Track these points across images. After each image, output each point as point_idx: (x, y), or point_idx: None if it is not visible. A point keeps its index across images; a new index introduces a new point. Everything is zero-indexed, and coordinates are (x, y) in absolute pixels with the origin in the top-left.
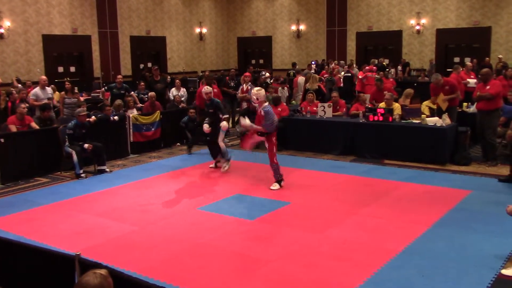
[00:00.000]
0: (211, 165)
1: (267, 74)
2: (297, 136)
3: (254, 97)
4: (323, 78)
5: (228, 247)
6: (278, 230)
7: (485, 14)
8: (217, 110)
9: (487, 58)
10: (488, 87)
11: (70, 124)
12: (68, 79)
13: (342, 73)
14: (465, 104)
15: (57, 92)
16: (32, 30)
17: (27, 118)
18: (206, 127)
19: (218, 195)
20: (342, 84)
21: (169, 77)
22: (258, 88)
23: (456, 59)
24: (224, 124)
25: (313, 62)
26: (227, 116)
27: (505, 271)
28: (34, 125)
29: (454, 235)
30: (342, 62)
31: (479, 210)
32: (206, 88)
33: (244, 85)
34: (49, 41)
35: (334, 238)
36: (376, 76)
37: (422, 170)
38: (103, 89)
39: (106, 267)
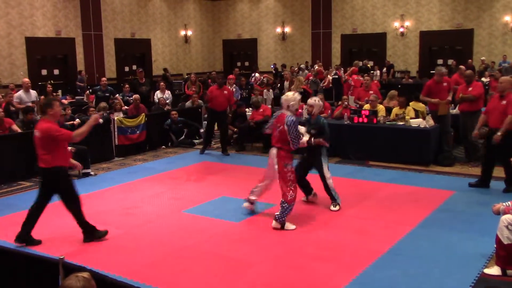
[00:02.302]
0: (303, 198)
1: (257, 75)
2: None
3: (285, 103)
4: (309, 79)
5: (213, 249)
6: (263, 232)
7: (467, 16)
8: (321, 131)
9: (470, 60)
10: (470, 88)
11: None
12: (52, 81)
13: (329, 76)
14: None
15: None
16: (15, 33)
17: (7, 121)
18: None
19: (204, 198)
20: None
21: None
22: (292, 92)
23: (440, 61)
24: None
25: (271, 66)
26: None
27: (487, 270)
28: (15, 128)
29: (438, 235)
30: (302, 66)
31: (463, 210)
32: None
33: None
34: (32, 43)
35: (319, 240)
36: (360, 78)
37: (406, 171)
38: (88, 91)
39: (90, 271)
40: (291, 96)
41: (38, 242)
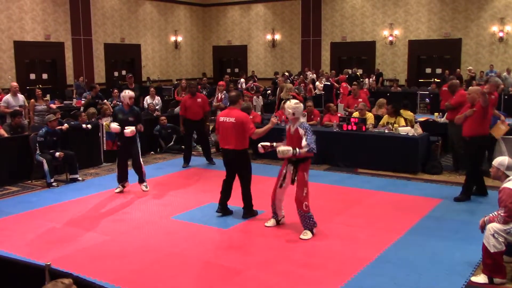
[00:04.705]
0: (117, 190)
1: (243, 80)
2: None
3: (290, 110)
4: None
5: (201, 256)
6: (252, 239)
7: (455, 26)
8: (137, 120)
9: (458, 70)
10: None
11: (41, 131)
12: (40, 86)
13: (317, 83)
14: (436, 114)
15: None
16: (3, 37)
17: None
18: (129, 130)
19: (192, 204)
20: (313, 93)
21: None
22: (296, 101)
23: (428, 70)
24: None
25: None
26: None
27: (474, 278)
28: (2, 132)
29: (425, 243)
30: (278, 76)
31: (450, 218)
32: (130, 93)
33: (219, 94)
34: (21, 47)
35: (307, 247)
36: (348, 85)
37: (394, 179)
38: (86, 94)
39: (76, 277)
40: None
41: (231, 212)
